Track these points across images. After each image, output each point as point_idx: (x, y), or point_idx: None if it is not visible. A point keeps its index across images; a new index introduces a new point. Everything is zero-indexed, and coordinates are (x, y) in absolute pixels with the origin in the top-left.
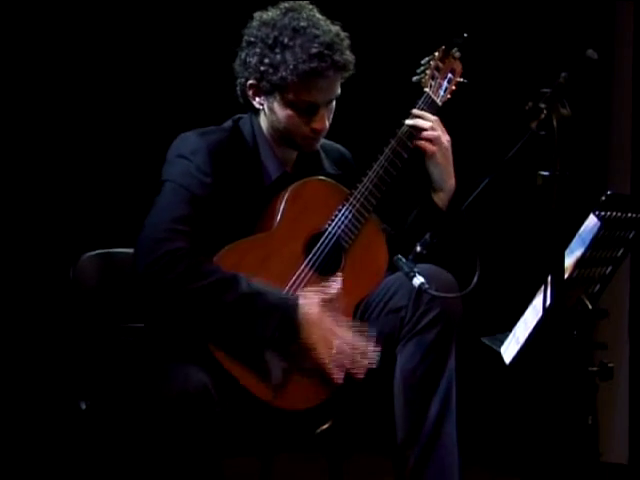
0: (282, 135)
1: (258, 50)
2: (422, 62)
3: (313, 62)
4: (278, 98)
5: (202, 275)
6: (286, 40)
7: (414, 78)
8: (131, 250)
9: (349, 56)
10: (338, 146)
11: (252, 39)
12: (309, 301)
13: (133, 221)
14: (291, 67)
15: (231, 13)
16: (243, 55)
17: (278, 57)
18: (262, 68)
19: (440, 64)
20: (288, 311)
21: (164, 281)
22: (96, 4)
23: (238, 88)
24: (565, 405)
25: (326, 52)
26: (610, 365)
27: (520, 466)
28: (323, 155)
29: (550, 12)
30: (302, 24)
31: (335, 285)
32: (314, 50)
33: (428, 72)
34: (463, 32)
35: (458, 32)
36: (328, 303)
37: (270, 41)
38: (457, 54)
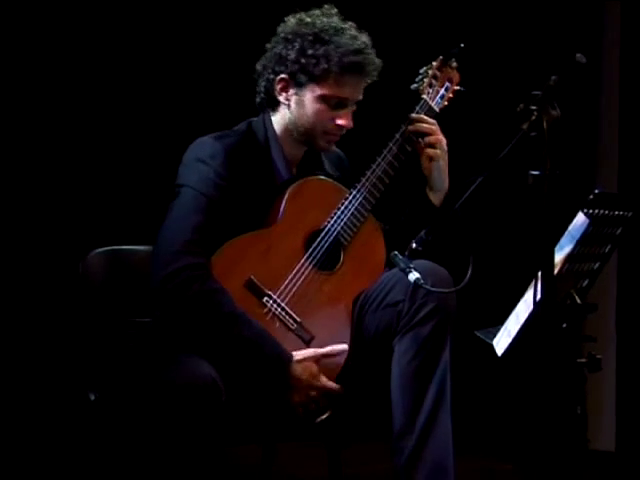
0: (305, 130)
1: (297, 45)
2: (420, 71)
3: (357, 56)
4: (312, 91)
5: (215, 303)
6: (327, 37)
7: (412, 86)
8: (137, 247)
9: (380, 61)
10: (334, 148)
11: (290, 36)
12: (301, 365)
13: (140, 220)
14: (336, 59)
15: (242, 19)
16: (277, 50)
17: (321, 50)
18: (303, 60)
19: (438, 73)
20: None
21: (178, 299)
22: (112, 10)
23: (263, 84)
24: (555, 395)
25: (366, 50)
26: (598, 357)
27: (512, 453)
28: (324, 158)
29: (541, 18)
30: (342, 25)
31: (332, 349)
32: (356, 46)
33: (426, 80)
34: (460, 42)
35: (455, 42)
36: (321, 360)
37: (311, 37)
38: (454, 64)
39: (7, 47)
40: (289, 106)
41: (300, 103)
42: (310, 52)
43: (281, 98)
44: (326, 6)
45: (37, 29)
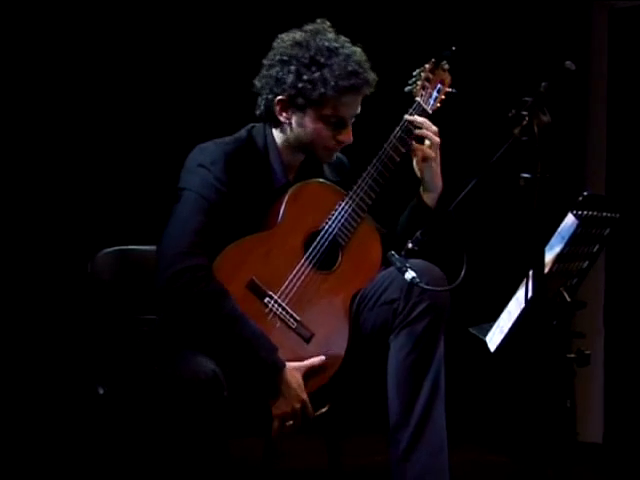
0: (305, 146)
1: (293, 68)
2: (413, 74)
3: (351, 79)
4: (311, 112)
5: (216, 305)
6: (323, 59)
7: (406, 88)
8: (144, 247)
9: (374, 74)
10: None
11: (285, 58)
12: (290, 374)
13: (146, 221)
14: (332, 84)
15: (243, 28)
16: (274, 72)
17: (317, 75)
18: (300, 85)
19: (430, 75)
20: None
21: (182, 299)
22: (120, 17)
23: (263, 103)
24: (545, 389)
25: (360, 70)
26: (587, 352)
27: (504, 444)
28: (325, 164)
29: (531, 27)
30: (335, 45)
31: (316, 360)
32: (350, 68)
33: (419, 83)
34: (451, 46)
35: (447, 46)
36: (306, 371)
37: (306, 60)
38: (446, 66)
39: (15, 50)
40: (290, 124)
41: (300, 123)
42: (306, 77)
43: (281, 118)
44: (319, 20)
45: (54, 36)
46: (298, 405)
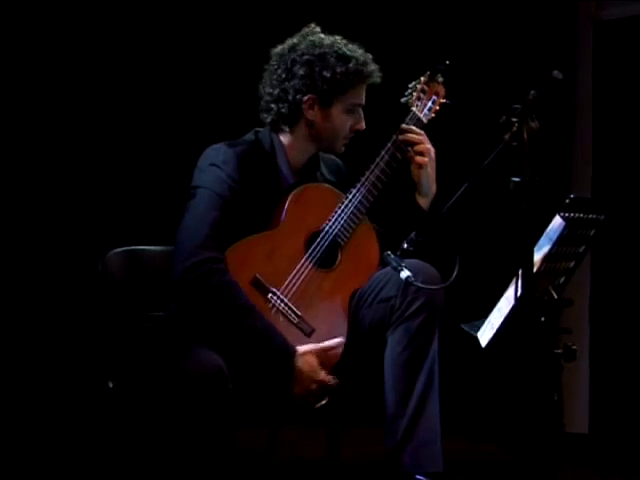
0: (328, 139)
1: (324, 64)
2: (409, 85)
3: (370, 66)
4: (338, 105)
5: (232, 295)
6: (346, 53)
7: (402, 99)
8: (152, 247)
9: None
10: (334, 157)
11: (311, 58)
12: (302, 359)
13: (154, 222)
14: (365, 72)
15: (247, 38)
16: (301, 73)
17: (349, 66)
18: (337, 77)
19: (425, 87)
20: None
21: (199, 289)
22: (134, 23)
23: (286, 105)
24: (534, 383)
25: (370, 58)
26: (573, 348)
27: (495, 435)
28: (322, 165)
29: (521, 38)
30: (344, 40)
31: (330, 343)
32: (364, 57)
33: (415, 94)
34: (445, 59)
35: (441, 59)
36: (321, 353)
37: (333, 57)
38: (440, 79)
39: (37, 54)
40: (315, 121)
41: (327, 117)
42: (339, 70)
43: (308, 115)
44: (311, 25)
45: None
46: (314, 386)
